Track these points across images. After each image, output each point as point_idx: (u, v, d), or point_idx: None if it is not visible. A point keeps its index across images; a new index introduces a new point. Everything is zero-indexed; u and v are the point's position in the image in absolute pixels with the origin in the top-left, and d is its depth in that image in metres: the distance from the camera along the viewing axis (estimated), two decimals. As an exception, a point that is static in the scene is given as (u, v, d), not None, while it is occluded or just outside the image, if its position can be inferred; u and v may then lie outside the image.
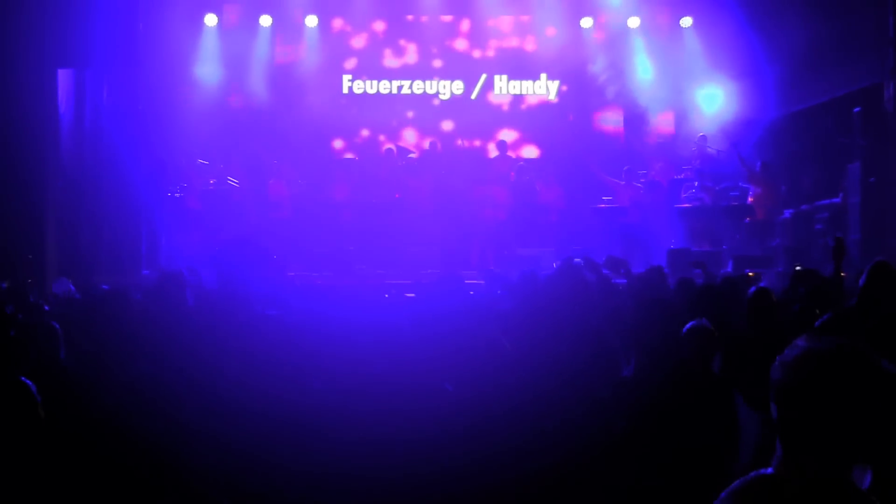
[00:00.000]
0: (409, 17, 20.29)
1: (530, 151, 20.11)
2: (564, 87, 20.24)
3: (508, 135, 20.11)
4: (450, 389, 5.21)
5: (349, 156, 19.80)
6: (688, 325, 5.66)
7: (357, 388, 5.08)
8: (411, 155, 19.23)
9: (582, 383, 5.35)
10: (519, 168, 18.23)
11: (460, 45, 20.41)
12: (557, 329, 6.14)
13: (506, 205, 17.92)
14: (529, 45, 20.27)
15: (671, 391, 5.06)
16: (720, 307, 6.72)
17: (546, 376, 5.37)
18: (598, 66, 19.80)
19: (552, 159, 19.67)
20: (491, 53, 20.37)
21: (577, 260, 9.51)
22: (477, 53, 20.37)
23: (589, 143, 19.85)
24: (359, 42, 20.31)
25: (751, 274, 9.79)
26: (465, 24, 20.38)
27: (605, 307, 7.14)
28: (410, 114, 20.30)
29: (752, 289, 7.01)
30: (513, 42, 20.39)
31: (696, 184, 17.27)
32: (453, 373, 5.39)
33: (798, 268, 10.61)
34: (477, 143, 20.10)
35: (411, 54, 20.37)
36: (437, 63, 20.32)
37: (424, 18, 20.17)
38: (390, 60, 20.36)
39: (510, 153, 19.39)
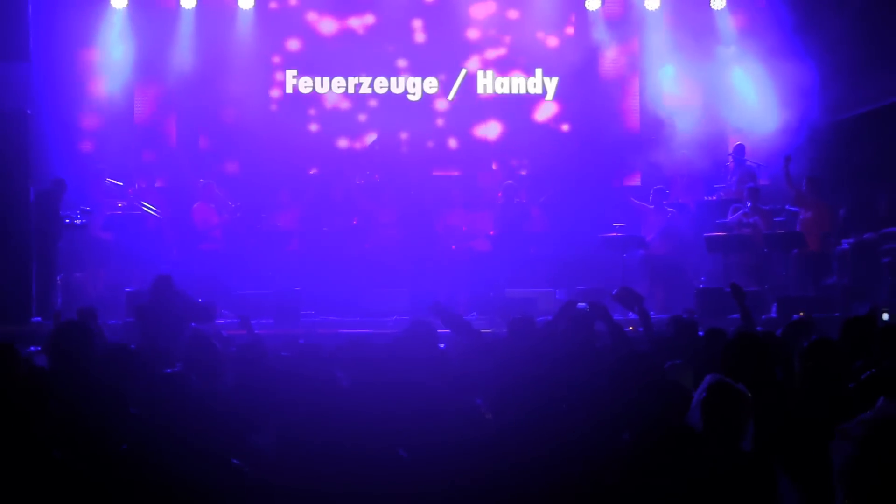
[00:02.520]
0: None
1: (521, 165, 19.97)
2: (564, 85, 20.12)
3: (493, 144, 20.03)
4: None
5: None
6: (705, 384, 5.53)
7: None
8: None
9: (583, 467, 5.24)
10: (507, 187, 18.07)
11: (434, 33, 20.28)
12: (555, 395, 6.00)
13: (491, 233, 17.79)
14: (521, 35, 20.15)
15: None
16: (762, 364, 6.58)
17: (536, 454, 5.24)
18: (607, 58, 19.78)
19: (548, 175, 19.55)
20: (473, 43, 20.25)
21: (581, 305, 9.38)
22: (456, 43, 20.23)
23: (595, 156, 19.71)
24: (306, 30, 20.17)
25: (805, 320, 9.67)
26: (443, 9, 20.22)
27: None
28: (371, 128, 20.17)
29: (808, 340, 6.87)
30: (501, 30, 20.26)
31: (749, 205, 16.86)
32: (414, 446, 5.42)
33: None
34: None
35: (373, 45, 20.22)
36: (406, 56, 20.22)
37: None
38: (347, 52, 20.20)
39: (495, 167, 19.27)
